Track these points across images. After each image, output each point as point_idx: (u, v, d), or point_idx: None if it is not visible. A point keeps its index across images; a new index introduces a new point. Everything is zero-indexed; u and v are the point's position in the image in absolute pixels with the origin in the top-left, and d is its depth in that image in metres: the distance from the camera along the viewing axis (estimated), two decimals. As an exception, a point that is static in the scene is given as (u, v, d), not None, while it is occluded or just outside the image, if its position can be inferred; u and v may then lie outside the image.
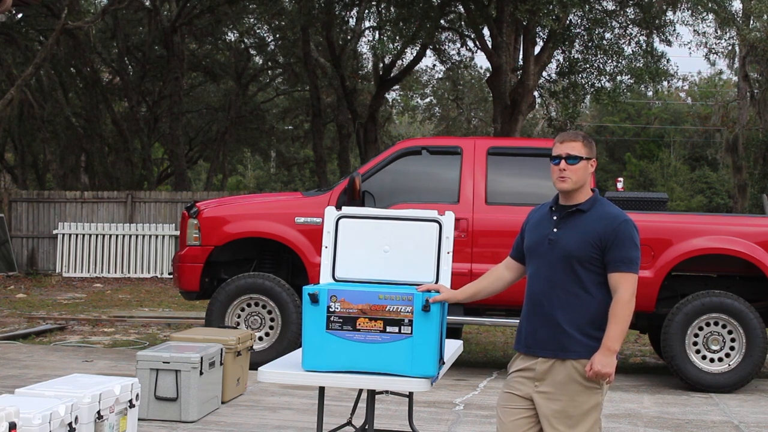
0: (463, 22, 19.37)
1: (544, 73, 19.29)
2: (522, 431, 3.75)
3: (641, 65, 17.25)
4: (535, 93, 18.85)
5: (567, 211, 3.78)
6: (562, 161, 3.75)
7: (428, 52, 23.11)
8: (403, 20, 16.69)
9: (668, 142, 43.12)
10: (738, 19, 19.05)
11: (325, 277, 4.46)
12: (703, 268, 8.80)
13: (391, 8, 18.51)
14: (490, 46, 17.57)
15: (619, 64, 17.68)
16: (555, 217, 3.79)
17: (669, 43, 18.23)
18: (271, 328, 8.75)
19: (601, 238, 3.67)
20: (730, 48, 23.59)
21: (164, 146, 32.46)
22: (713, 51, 20.11)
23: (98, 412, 4.56)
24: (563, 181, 3.75)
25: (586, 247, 3.67)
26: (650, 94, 33.47)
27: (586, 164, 3.77)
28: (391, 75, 24.88)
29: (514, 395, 3.77)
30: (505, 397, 3.81)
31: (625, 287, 3.63)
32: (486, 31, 17.83)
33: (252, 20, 27.82)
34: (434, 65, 42.44)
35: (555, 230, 3.76)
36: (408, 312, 3.86)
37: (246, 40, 29.58)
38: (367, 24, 24.50)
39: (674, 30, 18.20)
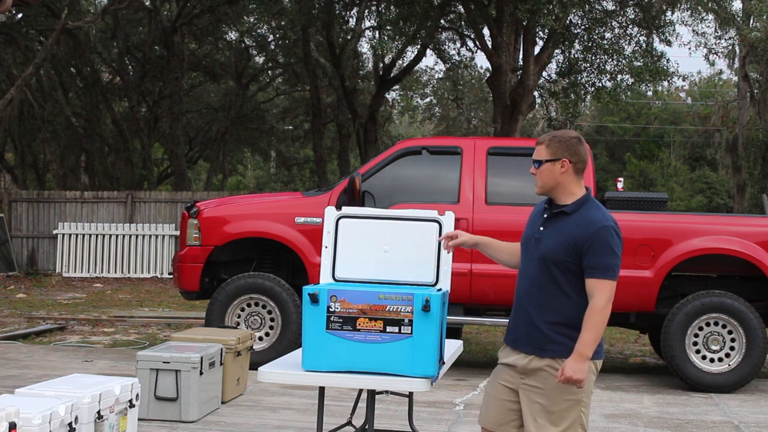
0: (463, 22, 19.35)
1: (544, 73, 19.28)
2: (506, 421, 3.80)
3: (641, 65, 17.23)
4: (535, 93, 18.84)
5: (554, 211, 3.78)
6: (533, 166, 3.81)
7: (428, 51, 23.11)
8: (403, 20, 16.68)
9: (668, 142, 43.12)
10: (738, 19, 19.04)
11: (325, 277, 4.46)
12: (703, 268, 8.80)
13: (391, 8, 18.51)
14: (490, 46, 17.56)
15: (620, 63, 17.67)
16: (545, 216, 3.81)
17: (669, 43, 18.22)
18: (271, 328, 8.75)
19: (577, 243, 3.63)
20: (730, 48, 23.57)
21: (164, 146, 32.46)
22: (713, 51, 20.11)
23: (98, 412, 4.56)
24: (535, 185, 3.83)
25: (562, 251, 3.66)
26: (650, 93, 33.45)
27: (551, 166, 3.74)
28: (391, 75, 24.88)
29: (501, 385, 3.83)
30: (492, 385, 3.89)
31: (600, 294, 3.59)
32: (486, 31, 17.82)
33: (252, 20, 27.81)
34: (435, 62, 42.45)
35: (541, 229, 3.77)
36: (408, 312, 3.86)
37: (246, 40, 29.57)
38: (367, 24, 24.53)
39: (674, 30, 18.20)
